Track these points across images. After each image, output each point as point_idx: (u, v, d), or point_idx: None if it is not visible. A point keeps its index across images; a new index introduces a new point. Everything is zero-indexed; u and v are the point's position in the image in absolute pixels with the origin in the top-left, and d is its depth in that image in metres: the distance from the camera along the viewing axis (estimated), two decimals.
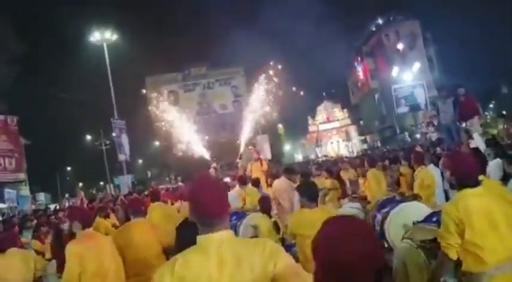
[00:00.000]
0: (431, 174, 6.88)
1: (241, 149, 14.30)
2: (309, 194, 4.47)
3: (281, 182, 8.41)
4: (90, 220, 4.20)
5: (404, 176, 7.78)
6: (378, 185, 7.82)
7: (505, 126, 8.88)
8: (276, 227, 5.52)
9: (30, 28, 50.06)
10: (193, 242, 1.99)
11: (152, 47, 49.61)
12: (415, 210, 5.25)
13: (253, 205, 7.78)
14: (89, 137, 44.47)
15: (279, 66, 16.15)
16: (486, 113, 24.20)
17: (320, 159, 32.48)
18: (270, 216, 5.69)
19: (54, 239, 5.20)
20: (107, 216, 8.16)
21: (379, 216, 6.09)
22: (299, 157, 52.23)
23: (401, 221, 5.81)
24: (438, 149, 9.13)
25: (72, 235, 3.94)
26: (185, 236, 2.21)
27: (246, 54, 48.21)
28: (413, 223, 4.27)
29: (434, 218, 4.22)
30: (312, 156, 42.77)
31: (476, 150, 6.91)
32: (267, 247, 1.95)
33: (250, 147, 14.08)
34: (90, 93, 42.95)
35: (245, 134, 14.48)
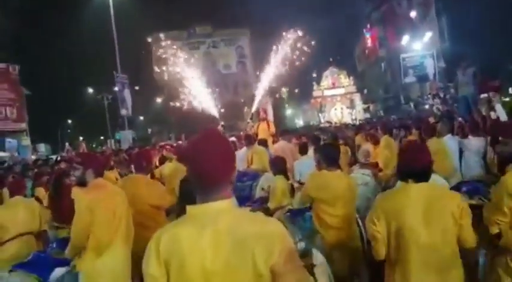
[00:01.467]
0: (442, 144, 6.68)
1: (253, 109, 14.02)
2: (327, 156, 4.26)
3: (280, 145, 8.80)
4: (103, 170, 3.96)
5: None
6: (391, 152, 7.60)
7: None
8: (292, 189, 5.31)
9: None
10: (191, 201, 1.71)
11: (158, 2, 48.45)
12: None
13: (262, 165, 7.60)
14: (90, 90, 43.98)
15: (292, 31, 15.67)
16: None
17: (323, 125, 32.30)
18: (288, 178, 5.46)
19: (53, 187, 4.95)
20: (110, 169, 8.02)
21: None
22: (300, 122, 52.09)
23: None
24: (460, 119, 8.90)
25: (81, 184, 3.70)
26: (188, 191, 1.92)
27: (252, 16, 47.20)
28: None
29: (463, 188, 4.03)
30: (313, 122, 42.56)
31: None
32: (275, 229, 1.65)
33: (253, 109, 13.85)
34: (94, 46, 42.25)
35: (258, 94, 14.17)
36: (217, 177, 1.66)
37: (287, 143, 9.25)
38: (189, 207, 1.70)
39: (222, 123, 10.90)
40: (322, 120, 41.35)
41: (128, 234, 3.72)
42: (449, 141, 6.90)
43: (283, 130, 9.80)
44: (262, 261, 1.57)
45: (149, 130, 50.90)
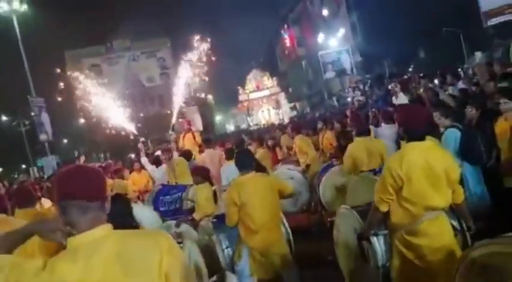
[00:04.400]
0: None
1: (173, 120, 13.93)
2: (238, 162, 4.44)
3: (208, 153, 8.88)
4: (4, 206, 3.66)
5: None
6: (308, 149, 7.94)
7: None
8: (215, 196, 5.34)
9: None
10: (122, 216, 1.74)
11: (70, 18, 46.38)
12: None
13: (183, 175, 7.56)
14: (4, 118, 41.33)
15: (208, 39, 15.75)
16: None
17: (252, 128, 32.71)
18: (212, 184, 5.48)
19: None
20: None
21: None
22: (231, 127, 52.36)
23: (330, 182, 6.05)
24: (374, 109, 9.53)
25: None
26: (114, 211, 1.91)
27: (171, 25, 46.79)
28: None
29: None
30: (243, 126, 42.97)
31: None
32: (162, 241, 1.67)
33: (180, 119, 13.74)
34: (2, 70, 39.66)
35: (176, 105, 14.10)
36: (87, 206, 1.65)
37: (213, 150, 9.29)
38: (69, 240, 1.65)
39: (142, 139, 10.55)
40: (251, 123, 41.88)
41: None
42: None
43: (205, 139, 9.83)
44: (157, 274, 1.60)
45: (75, 152, 48.64)
